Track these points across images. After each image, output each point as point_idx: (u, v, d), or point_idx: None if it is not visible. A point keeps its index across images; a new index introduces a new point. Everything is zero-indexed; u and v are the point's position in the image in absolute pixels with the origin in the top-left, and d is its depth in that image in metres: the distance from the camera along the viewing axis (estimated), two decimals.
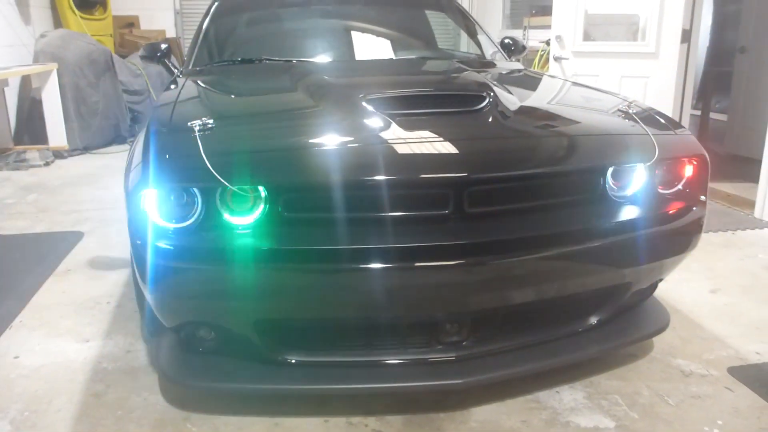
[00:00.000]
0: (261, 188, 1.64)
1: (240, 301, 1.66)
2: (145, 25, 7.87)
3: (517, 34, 7.10)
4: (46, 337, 2.37)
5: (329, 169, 1.65)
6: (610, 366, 2.15)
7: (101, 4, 7.17)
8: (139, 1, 7.81)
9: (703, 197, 1.95)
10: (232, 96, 2.46)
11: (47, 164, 5.34)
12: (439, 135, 1.77)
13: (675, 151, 1.88)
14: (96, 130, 5.99)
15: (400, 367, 1.78)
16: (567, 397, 1.99)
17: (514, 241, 1.66)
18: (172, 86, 2.61)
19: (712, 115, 6.87)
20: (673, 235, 1.86)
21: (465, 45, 3.95)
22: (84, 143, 5.87)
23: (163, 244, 1.60)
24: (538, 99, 2.39)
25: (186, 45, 7.74)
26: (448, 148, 1.71)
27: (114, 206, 4.09)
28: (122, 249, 3.31)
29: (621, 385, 2.05)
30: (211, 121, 1.74)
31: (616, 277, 1.88)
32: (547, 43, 5.58)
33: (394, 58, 3.01)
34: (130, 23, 7.76)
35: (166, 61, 3.12)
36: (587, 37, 4.65)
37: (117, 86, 6.23)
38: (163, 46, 3.14)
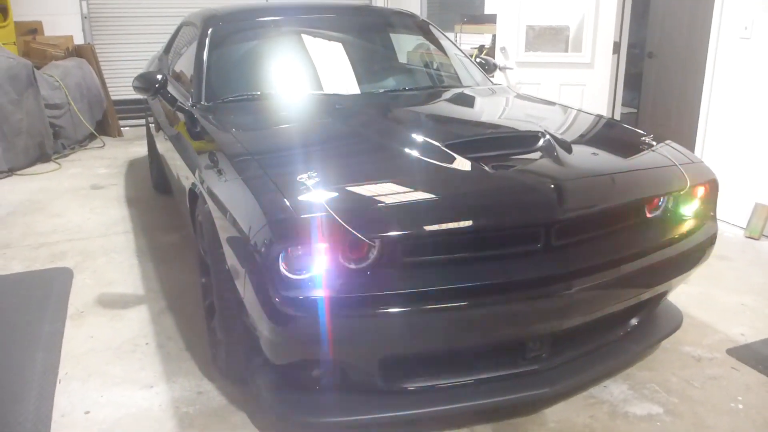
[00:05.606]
0: (382, 237, 1.78)
1: (369, 343, 1.81)
2: (49, 31, 7.35)
3: None
4: (105, 387, 2.34)
5: (443, 215, 1.82)
6: (634, 359, 2.50)
7: (1, 11, 6.63)
8: (42, 6, 7.29)
9: (712, 213, 2.34)
10: (308, 141, 2.46)
11: None
12: (528, 176, 2.02)
13: (698, 177, 2.25)
14: (21, 150, 5.61)
15: (496, 383, 2.01)
16: (615, 390, 2.31)
17: (602, 265, 1.95)
18: (204, 122, 2.63)
19: (622, 109, 7.65)
20: (701, 246, 2.23)
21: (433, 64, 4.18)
22: (9, 165, 5.48)
23: (294, 295, 1.72)
24: (577, 132, 2.67)
25: (101, 52, 7.36)
26: (539, 188, 1.94)
27: (86, 237, 3.93)
28: (125, 284, 3.24)
29: (652, 375, 2.41)
30: (315, 173, 1.87)
31: (662, 286, 2.23)
32: (479, 49, 5.97)
33: (416, 88, 3.32)
34: (33, 29, 7.22)
35: (166, 91, 3.06)
36: (528, 48, 5.05)
37: (40, 102, 5.84)
38: (159, 76, 3.02)
